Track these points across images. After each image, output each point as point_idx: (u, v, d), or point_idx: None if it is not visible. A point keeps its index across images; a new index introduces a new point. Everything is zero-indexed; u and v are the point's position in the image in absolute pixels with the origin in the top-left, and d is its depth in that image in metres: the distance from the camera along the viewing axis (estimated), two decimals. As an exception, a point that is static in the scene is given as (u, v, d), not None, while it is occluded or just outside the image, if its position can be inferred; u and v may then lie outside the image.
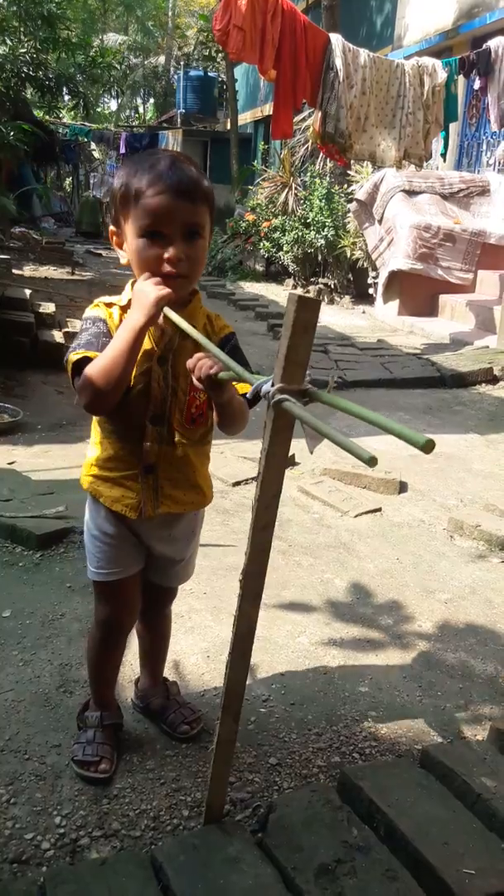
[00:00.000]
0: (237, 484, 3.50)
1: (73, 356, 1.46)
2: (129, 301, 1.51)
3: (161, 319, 1.43)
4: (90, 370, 1.42)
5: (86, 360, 1.44)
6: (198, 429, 1.60)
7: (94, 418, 1.60)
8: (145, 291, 1.41)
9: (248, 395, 1.41)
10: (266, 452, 1.20)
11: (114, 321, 1.51)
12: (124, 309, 1.52)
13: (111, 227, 1.54)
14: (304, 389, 1.12)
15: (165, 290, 1.40)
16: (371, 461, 0.90)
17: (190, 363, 1.36)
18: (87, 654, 1.83)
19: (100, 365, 1.41)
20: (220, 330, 1.60)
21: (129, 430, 1.56)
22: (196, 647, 2.22)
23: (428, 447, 0.87)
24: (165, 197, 1.41)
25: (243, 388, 1.42)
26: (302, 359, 1.12)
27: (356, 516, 3.27)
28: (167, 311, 1.41)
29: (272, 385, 1.13)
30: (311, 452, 1.23)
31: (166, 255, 1.43)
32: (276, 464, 1.22)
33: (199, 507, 1.69)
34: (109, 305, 1.54)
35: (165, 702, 1.89)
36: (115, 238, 1.54)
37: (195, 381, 1.36)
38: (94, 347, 1.46)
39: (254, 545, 1.28)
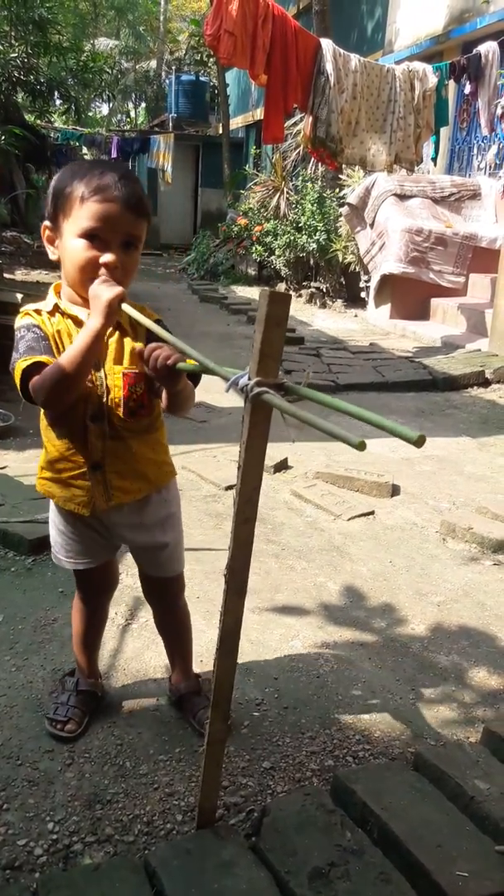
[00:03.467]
0: (230, 488, 3.49)
1: (22, 362, 1.48)
2: (56, 305, 1.55)
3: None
4: (50, 372, 1.44)
5: (35, 365, 1.46)
6: (140, 420, 1.62)
7: (42, 424, 1.63)
8: (99, 295, 1.42)
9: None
10: (245, 445, 1.21)
11: (47, 327, 1.54)
12: (52, 313, 1.55)
13: (45, 223, 1.55)
14: (280, 383, 1.14)
15: (118, 290, 1.42)
16: (360, 445, 0.91)
17: (146, 352, 1.40)
18: (72, 621, 1.93)
19: (61, 366, 1.43)
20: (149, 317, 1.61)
21: (72, 432, 1.60)
22: (189, 652, 2.22)
23: (419, 441, 0.89)
24: (113, 205, 1.45)
25: (190, 363, 1.44)
26: (275, 352, 1.14)
27: (349, 519, 3.27)
28: (125, 307, 1.43)
29: (248, 379, 1.14)
30: (293, 442, 1.25)
31: (103, 260, 1.46)
32: (255, 456, 1.23)
33: (147, 492, 1.70)
34: (38, 312, 1.56)
35: (196, 697, 1.92)
36: (47, 232, 1.55)
37: (148, 370, 1.40)
38: (37, 352, 1.49)
39: (236, 539, 1.29)
